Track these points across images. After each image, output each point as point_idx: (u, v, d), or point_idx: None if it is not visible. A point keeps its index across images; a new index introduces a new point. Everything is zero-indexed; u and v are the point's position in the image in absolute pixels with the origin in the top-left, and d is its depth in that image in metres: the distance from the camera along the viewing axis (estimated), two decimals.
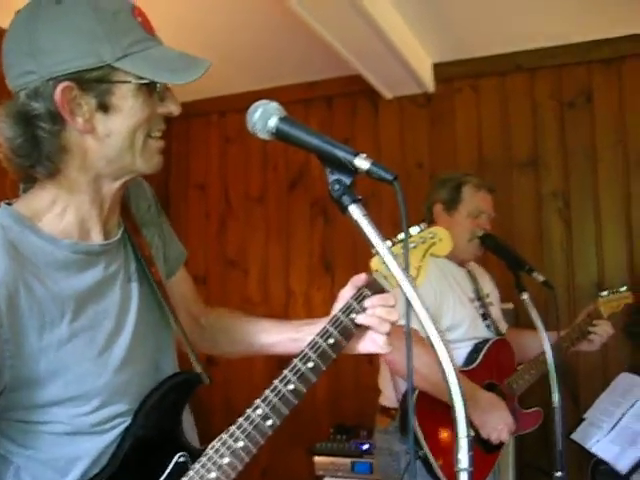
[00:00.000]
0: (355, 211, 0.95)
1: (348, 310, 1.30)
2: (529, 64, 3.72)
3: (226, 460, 1.18)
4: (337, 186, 0.97)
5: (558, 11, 3.25)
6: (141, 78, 1.11)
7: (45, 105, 1.08)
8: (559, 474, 2.11)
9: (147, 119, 1.15)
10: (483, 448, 2.28)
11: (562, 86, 3.68)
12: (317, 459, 3.49)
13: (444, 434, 2.19)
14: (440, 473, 2.18)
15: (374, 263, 1.35)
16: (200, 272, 4.26)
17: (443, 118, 3.92)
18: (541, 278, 2.32)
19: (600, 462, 3.02)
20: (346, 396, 3.98)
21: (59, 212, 1.16)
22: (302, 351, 1.27)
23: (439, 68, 3.89)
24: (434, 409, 2.12)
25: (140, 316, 1.26)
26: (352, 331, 1.30)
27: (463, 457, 0.85)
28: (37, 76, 1.08)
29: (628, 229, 3.51)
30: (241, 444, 1.19)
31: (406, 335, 0.98)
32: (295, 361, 1.26)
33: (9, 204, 1.16)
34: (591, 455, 2.98)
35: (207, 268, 4.32)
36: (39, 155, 1.11)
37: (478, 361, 2.37)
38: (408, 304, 0.94)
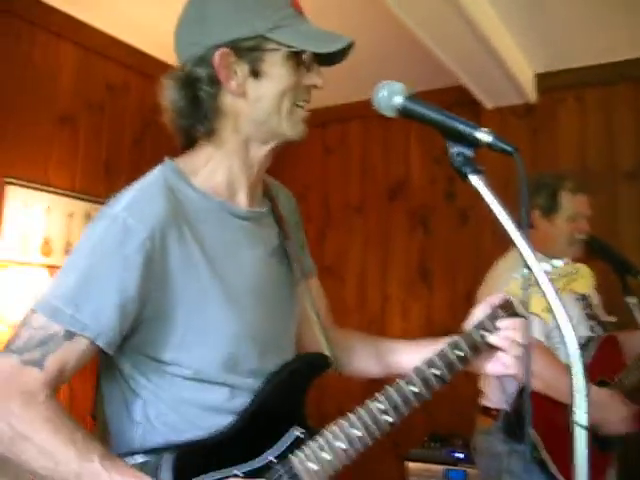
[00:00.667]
0: (474, 179, 1.00)
1: (480, 327, 1.33)
2: (635, 73, 3.65)
3: (342, 445, 1.22)
4: (460, 158, 1.02)
5: None
6: (290, 48, 1.23)
7: (206, 70, 1.23)
8: None
9: (294, 87, 1.26)
10: (600, 446, 2.26)
11: None
12: (410, 465, 3.51)
13: (559, 434, 2.16)
14: (558, 473, 2.16)
15: (512, 287, 1.37)
16: None
17: (545, 128, 3.90)
18: None
19: None
20: (441, 405, 3.96)
21: (212, 170, 1.30)
22: (429, 358, 1.31)
23: (541, 78, 3.88)
24: (550, 409, 2.12)
25: (274, 290, 1.35)
26: (481, 348, 1.33)
27: (579, 412, 0.88)
28: (201, 45, 1.24)
29: None
30: (358, 433, 1.23)
31: (524, 329, 1.02)
32: (421, 366, 1.30)
33: (171, 159, 1.29)
34: None
35: None
36: (199, 115, 1.26)
37: (587, 358, 2.35)
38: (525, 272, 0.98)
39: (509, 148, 0.98)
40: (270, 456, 1.22)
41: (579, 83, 3.81)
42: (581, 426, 0.88)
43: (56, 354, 1.10)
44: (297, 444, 1.24)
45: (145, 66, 3.53)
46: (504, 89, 3.70)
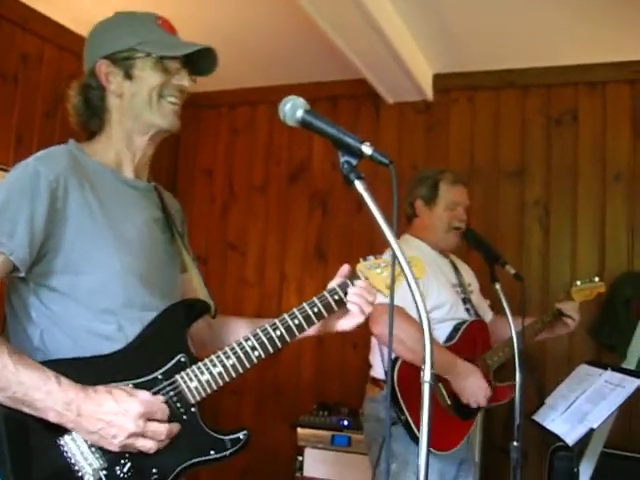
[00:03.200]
0: (359, 185, 1.22)
1: (332, 292, 1.65)
2: (522, 81, 4.02)
3: (217, 370, 1.52)
4: (346, 165, 1.24)
5: (551, 35, 3.55)
6: (151, 55, 1.57)
7: (94, 78, 1.60)
8: (516, 444, 2.38)
9: (161, 86, 1.59)
10: (460, 415, 2.57)
11: (550, 104, 3.98)
12: (300, 431, 3.76)
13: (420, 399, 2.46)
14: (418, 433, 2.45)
15: (359, 266, 1.69)
16: (201, 252, 4.52)
17: (439, 125, 4.21)
18: (512, 271, 2.60)
19: (558, 449, 3.33)
20: (330, 378, 4.25)
21: (104, 153, 1.62)
22: (291, 310, 1.61)
23: (438, 79, 4.18)
24: (416, 379, 2.38)
25: (157, 246, 1.64)
26: (333, 308, 1.64)
27: (427, 372, 1.12)
28: (90, 61, 1.61)
29: (601, 239, 3.80)
30: (231, 362, 1.53)
31: (389, 308, 1.26)
32: (285, 316, 1.60)
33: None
34: (550, 443, 3.29)
35: (208, 249, 4.60)
36: (90, 113, 1.63)
37: (456, 338, 2.65)
38: (394, 262, 1.22)
39: (385, 160, 1.21)
40: (158, 374, 1.49)
41: (471, 86, 4.14)
42: (427, 382, 1.13)
43: None
44: (181, 367, 1.51)
45: (60, 38, 3.56)
46: (404, 87, 3.97)
